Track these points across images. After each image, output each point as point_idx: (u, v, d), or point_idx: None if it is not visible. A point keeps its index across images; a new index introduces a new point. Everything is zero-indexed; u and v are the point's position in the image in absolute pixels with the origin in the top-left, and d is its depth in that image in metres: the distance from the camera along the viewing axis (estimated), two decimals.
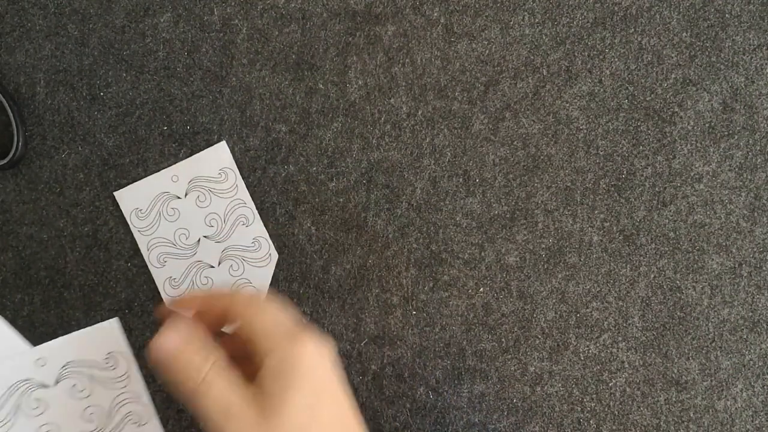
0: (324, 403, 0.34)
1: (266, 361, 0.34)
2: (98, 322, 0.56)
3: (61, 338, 0.40)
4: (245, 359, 0.37)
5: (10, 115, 0.53)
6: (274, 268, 0.54)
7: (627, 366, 0.54)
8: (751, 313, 0.55)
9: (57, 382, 0.40)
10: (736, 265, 0.55)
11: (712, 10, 0.54)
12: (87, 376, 0.40)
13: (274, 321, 0.35)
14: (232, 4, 0.54)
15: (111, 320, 0.41)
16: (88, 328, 0.40)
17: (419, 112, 0.54)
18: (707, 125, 0.54)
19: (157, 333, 0.35)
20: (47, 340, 0.40)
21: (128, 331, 0.55)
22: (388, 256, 0.54)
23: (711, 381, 0.54)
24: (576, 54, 0.54)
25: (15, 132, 0.53)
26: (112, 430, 0.40)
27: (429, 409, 0.54)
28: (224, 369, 0.35)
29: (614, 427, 0.54)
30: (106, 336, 0.41)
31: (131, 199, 0.54)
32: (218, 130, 0.54)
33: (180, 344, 0.35)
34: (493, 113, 0.54)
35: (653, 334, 0.54)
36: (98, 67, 0.54)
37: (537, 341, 0.54)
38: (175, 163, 0.54)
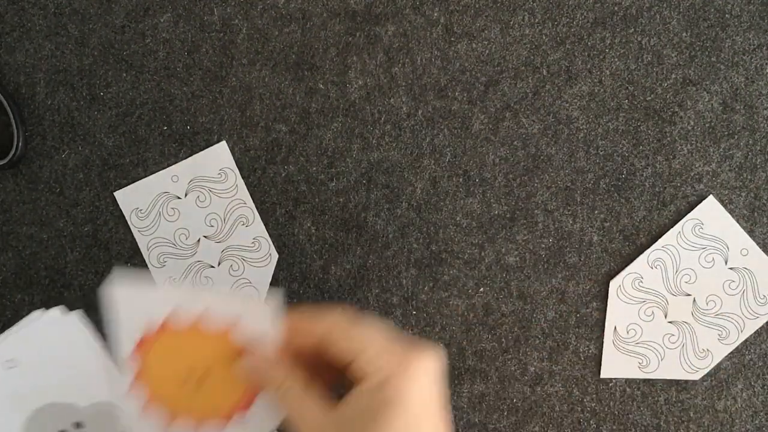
0: None
1: (359, 388, 0.33)
2: (97, 321, 0.56)
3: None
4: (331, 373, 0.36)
5: (10, 115, 0.53)
6: (274, 268, 0.54)
7: None
8: None
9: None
10: None
11: (712, 10, 0.54)
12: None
13: (371, 343, 0.34)
14: (232, 4, 0.54)
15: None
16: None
17: (419, 112, 0.54)
18: (707, 125, 0.54)
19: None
20: None
21: None
22: (388, 256, 0.54)
23: (711, 381, 0.54)
24: (576, 54, 0.54)
25: (15, 132, 0.53)
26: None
27: None
28: (299, 389, 0.35)
29: (614, 427, 0.54)
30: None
31: (131, 199, 0.54)
32: (218, 130, 0.54)
33: (259, 363, 0.37)
34: (493, 113, 0.54)
35: None
36: (98, 67, 0.54)
37: (537, 341, 0.54)
38: (175, 163, 0.54)
